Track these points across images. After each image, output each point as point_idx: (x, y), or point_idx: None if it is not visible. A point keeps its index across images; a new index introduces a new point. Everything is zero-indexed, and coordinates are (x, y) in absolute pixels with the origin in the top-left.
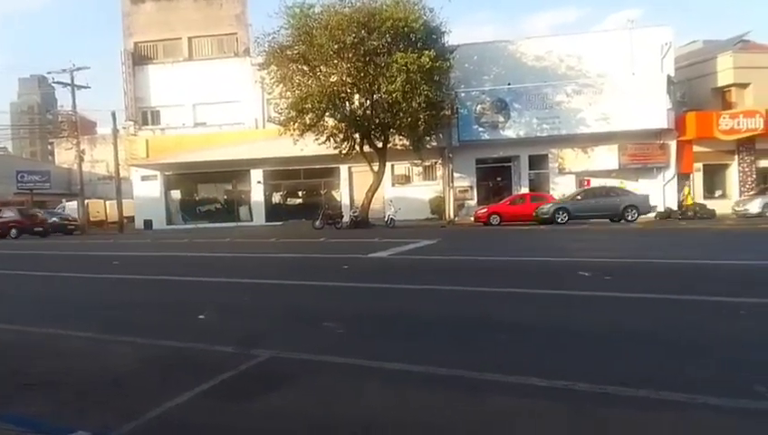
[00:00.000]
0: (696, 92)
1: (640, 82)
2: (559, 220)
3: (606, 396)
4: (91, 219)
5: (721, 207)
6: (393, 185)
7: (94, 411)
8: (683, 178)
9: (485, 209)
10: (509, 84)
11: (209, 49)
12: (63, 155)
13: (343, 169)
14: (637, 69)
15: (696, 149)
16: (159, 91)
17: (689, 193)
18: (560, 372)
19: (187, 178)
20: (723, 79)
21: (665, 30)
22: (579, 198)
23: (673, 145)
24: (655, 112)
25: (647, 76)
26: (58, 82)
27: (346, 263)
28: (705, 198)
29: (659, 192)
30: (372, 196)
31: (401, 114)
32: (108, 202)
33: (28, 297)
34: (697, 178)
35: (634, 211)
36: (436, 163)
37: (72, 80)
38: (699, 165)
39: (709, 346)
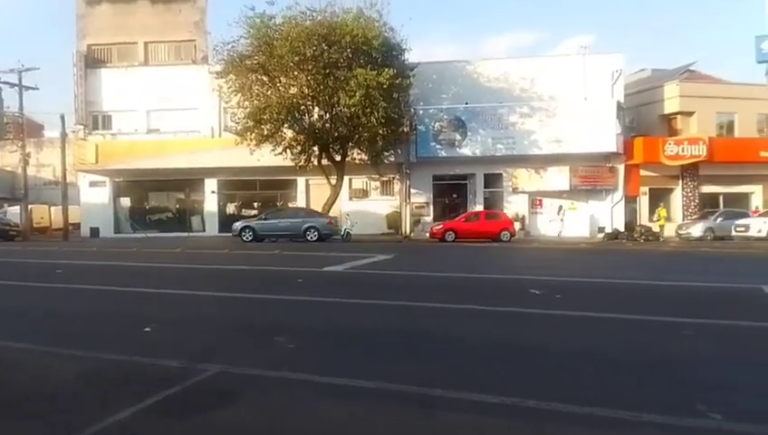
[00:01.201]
0: (643, 119)
1: (591, 106)
2: (244, 239)
3: (554, 413)
4: (35, 225)
5: (665, 229)
6: (350, 199)
7: (29, 428)
8: (630, 200)
9: (441, 226)
10: (466, 103)
11: (166, 55)
12: (7, 158)
13: (300, 181)
14: (588, 94)
15: (643, 173)
16: (112, 96)
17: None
18: (509, 388)
19: (138, 185)
20: (669, 106)
21: (616, 57)
22: (264, 217)
23: (621, 168)
24: (605, 137)
25: (598, 101)
26: (5, 83)
27: (300, 276)
28: (650, 220)
29: (608, 213)
30: (329, 209)
31: (360, 128)
32: (53, 208)
33: None
34: (643, 202)
35: (315, 232)
36: (393, 178)
37: (20, 80)
38: (645, 189)
39: (654, 365)
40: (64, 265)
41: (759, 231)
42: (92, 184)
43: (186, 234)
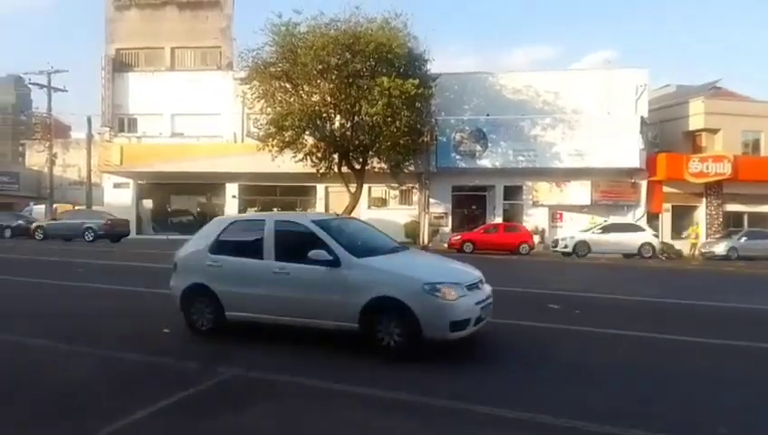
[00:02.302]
0: (667, 135)
1: (615, 121)
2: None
3: (572, 430)
4: None
5: (687, 247)
6: (369, 207)
7: (45, 426)
8: (652, 217)
9: (459, 237)
10: (488, 115)
11: (192, 60)
12: (35, 157)
13: (320, 188)
14: (611, 108)
15: (666, 189)
16: (138, 99)
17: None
18: (526, 403)
19: (161, 187)
20: (694, 123)
21: (641, 72)
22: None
23: (644, 184)
24: (627, 152)
25: (621, 116)
26: (34, 84)
27: None
28: (672, 238)
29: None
30: (349, 216)
31: (381, 137)
32: (77, 208)
33: None
34: (666, 219)
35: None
36: (412, 188)
37: (49, 82)
38: (668, 205)
39: (675, 384)
40: (86, 265)
41: None
42: (116, 185)
43: None
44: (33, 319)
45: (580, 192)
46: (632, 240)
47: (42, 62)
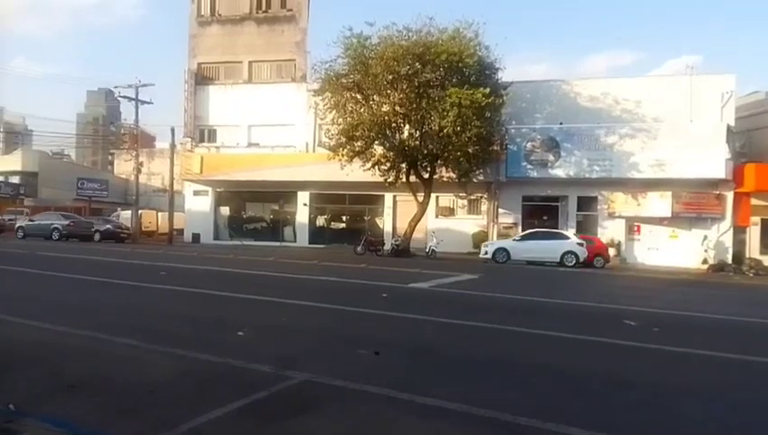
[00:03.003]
0: (756, 144)
1: (698, 129)
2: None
3: None
4: (143, 229)
5: None
6: (437, 216)
7: (129, 418)
8: (739, 231)
9: None
10: (561, 123)
11: (268, 73)
12: (122, 166)
13: (388, 197)
14: (695, 116)
15: (755, 202)
16: (217, 111)
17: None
18: (601, 423)
19: (237, 195)
20: None
21: (727, 78)
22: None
23: (730, 196)
24: (712, 162)
25: (705, 124)
26: (123, 97)
27: (386, 291)
28: (761, 253)
29: (713, 244)
30: (415, 225)
31: (450, 147)
32: (160, 214)
33: (75, 301)
34: (754, 232)
35: None
36: (481, 197)
37: (137, 95)
38: (757, 219)
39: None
40: (168, 268)
41: None
42: (196, 193)
43: (278, 243)
44: (116, 317)
45: (659, 204)
46: (556, 247)
47: (130, 75)
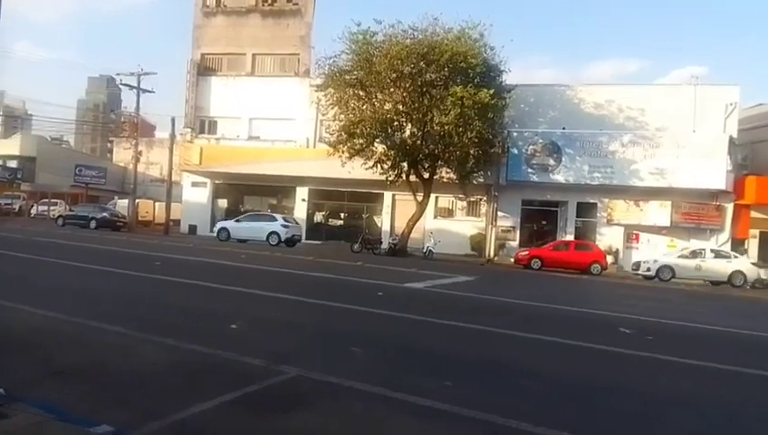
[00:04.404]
0: (758, 156)
1: (701, 139)
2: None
3: None
4: (140, 219)
5: None
6: (435, 217)
7: (119, 407)
8: (737, 243)
9: (527, 252)
10: (563, 128)
11: (271, 67)
12: (121, 154)
13: (387, 195)
14: (698, 126)
15: (754, 214)
16: (219, 103)
17: None
18: (590, 428)
19: (235, 188)
20: None
21: (731, 89)
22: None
23: (730, 208)
24: (713, 173)
25: (708, 135)
26: (125, 84)
27: (381, 289)
28: (759, 266)
29: None
30: (413, 225)
31: (452, 147)
32: (157, 204)
33: (70, 288)
34: (753, 245)
35: None
36: (480, 200)
37: (139, 83)
38: (756, 232)
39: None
40: (163, 258)
41: None
42: (194, 184)
43: None
44: (110, 305)
45: (659, 213)
46: (722, 267)
47: (133, 63)
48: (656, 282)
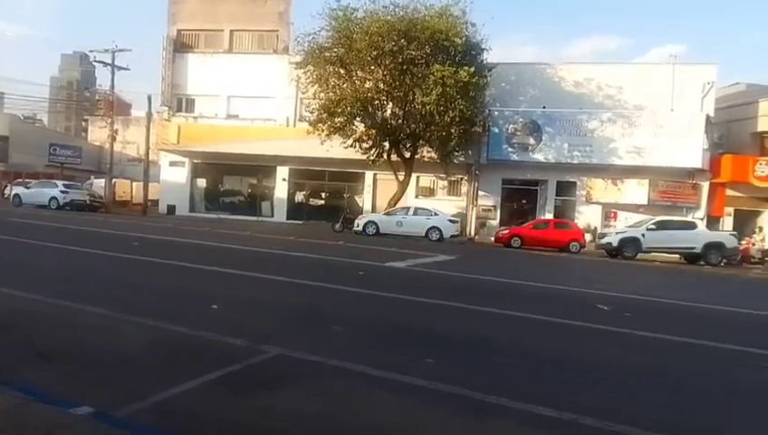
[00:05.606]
0: (733, 135)
1: (678, 118)
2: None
3: (610, 433)
4: (117, 199)
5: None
6: (417, 196)
7: (100, 388)
8: (712, 220)
9: (507, 231)
10: (544, 107)
11: (249, 43)
12: (96, 133)
13: (368, 175)
14: (676, 105)
15: (729, 192)
16: (196, 80)
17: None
18: (568, 403)
19: (214, 167)
20: (763, 124)
21: (709, 68)
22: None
23: (705, 186)
24: (690, 151)
25: (685, 114)
26: (99, 62)
27: (362, 269)
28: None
29: None
30: (395, 205)
31: (433, 126)
32: (134, 183)
33: (48, 269)
34: (727, 223)
35: None
36: (461, 179)
37: (113, 60)
38: (730, 209)
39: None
40: (141, 239)
41: None
42: (172, 163)
43: (255, 218)
44: (90, 286)
45: (636, 191)
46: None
47: (107, 40)
48: (634, 260)
